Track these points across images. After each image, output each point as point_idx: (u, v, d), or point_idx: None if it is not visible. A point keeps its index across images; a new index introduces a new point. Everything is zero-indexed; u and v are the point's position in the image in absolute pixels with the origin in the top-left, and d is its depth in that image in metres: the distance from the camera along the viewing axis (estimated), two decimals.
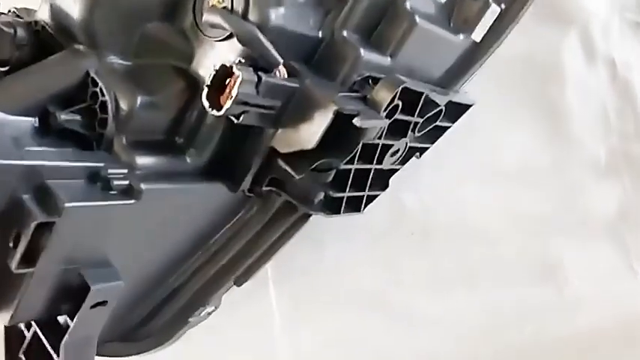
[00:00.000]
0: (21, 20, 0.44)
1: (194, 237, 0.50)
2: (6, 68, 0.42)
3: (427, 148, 0.60)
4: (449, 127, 0.60)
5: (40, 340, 0.43)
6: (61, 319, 0.43)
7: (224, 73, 0.40)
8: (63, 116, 0.40)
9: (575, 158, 0.75)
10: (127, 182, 0.40)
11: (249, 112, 0.42)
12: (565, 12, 0.74)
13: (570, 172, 0.75)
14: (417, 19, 0.49)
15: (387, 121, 0.47)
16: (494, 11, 0.57)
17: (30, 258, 0.37)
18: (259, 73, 0.41)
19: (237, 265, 0.53)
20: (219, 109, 0.40)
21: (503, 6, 0.58)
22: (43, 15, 0.44)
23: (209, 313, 0.54)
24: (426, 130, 0.56)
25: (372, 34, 0.49)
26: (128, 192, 0.40)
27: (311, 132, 0.44)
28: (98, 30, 0.42)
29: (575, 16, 0.75)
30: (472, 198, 0.74)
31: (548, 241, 0.75)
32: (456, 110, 0.60)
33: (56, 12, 0.43)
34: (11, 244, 0.36)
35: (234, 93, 0.39)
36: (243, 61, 0.42)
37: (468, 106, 0.60)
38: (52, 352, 0.43)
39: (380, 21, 0.49)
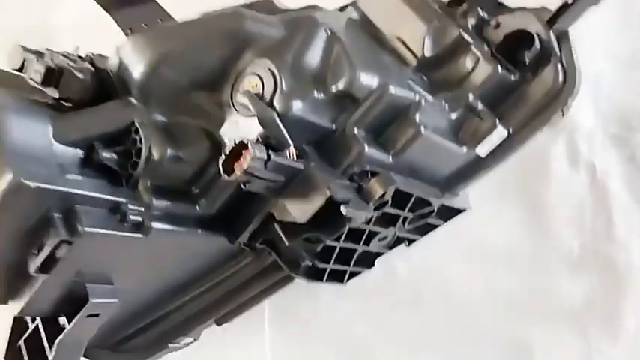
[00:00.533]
0: (92, 67, 0.52)
1: (188, 274, 0.57)
2: (69, 104, 0.50)
3: (416, 240, 0.65)
4: (440, 225, 0.66)
5: (40, 333, 0.51)
6: (62, 319, 0.51)
7: (241, 146, 0.48)
8: (104, 154, 0.49)
9: (551, 249, 0.82)
10: (140, 219, 0.48)
11: (255, 182, 0.49)
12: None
13: (546, 261, 0.82)
14: (423, 130, 0.56)
15: (372, 213, 0.53)
16: (500, 134, 0.63)
17: (47, 266, 0.44)
18: (270, 152, 0.48)
19: (220, 307, 0.60)
20: (229, 175, 0.48)
21: (511, 130, 0.64)
22: (112, 65, 0.53)
23: (187, 344, 0.61)
24: (417, 224, 0.62)
25: (382, 134, 0.56)
26: (139, 227, 0.48)
27: (305, 209, 0.50)
28: (150, 91, 0.51)
29: (564, 126, 0.84)
30: (457, 273, 0.83)
31: (520, 322, 0.81)
32: (449, 212, 0.65)
33: (122, 67, 0.52)
34: (35, 252, 0.44)
35: (244, 165, 0.47)
36: (260, 139, 0.49)
37: (461, 210, 0.66)
38: (47, 345, 0.50)
39: (390, 124, 0.56)
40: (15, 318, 0.52)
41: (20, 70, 0.50)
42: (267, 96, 0.50)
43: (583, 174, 0.85)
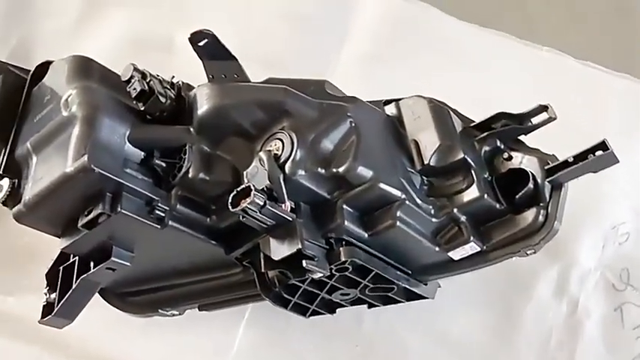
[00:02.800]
0: (174, 94, 0.70)
1: (189, 264, 0.74)
2: (149, 117, 0.69)
3: (378, 305, 0.78)
4: (402, 301, 0.78)
5: (74, 267, 0.69)
6: (91, 264, 0.69)
7: (248, 189, 0.63)
8: (157, 161, 0.66)
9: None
10: (162, 215, 0.65)
11: (249, 218, 0.64)
12: (558, 249, 0.88)
13: None
14: (398, 223, 0.68)
15: (329, 273, 0.66)
16: (473, 248, 0.74)
17: (89, 225, 0.63)
18: (268, 201, 0.63)
19: (206, 298, 0.76)
20: (233, 207, 0.64)
21: (485, 247, 0.74)
22: (190, 96, 0.70)
23: (173, 314, 0.78)
24: (378, 294, 0.75)
25: (367, 214, 0.70)
26: (160, 221, 0.65)
27: (280, 250, 0.65)
28: (206, 126, 0.68)
29: (564, 256, 0.90)
30: (417, 349, 0.89)
31: None
32: (411, 294, 0.77)
33: (195, 102, 0.69)
34: (85, 213, 0.63)
35: (243, 205, 0.63)
36: (266, 188, 0.64)
37: (421, 296, 0.77)
38: (75, 277, 0.68)
39: (377, 209, 0.70)
40: (61, 251, 0.71)
41: (127, 81, 0.69)
42: (282, 159, 0.66)
43: (564, 305, 0.90)
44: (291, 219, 0.65)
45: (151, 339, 0.87)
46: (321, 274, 0.67)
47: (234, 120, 0.68)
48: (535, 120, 0.78)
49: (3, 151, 0.69)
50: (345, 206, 0.68)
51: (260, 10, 1.00)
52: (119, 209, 0.62)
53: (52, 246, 0.82)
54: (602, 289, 0.92)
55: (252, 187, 0.63)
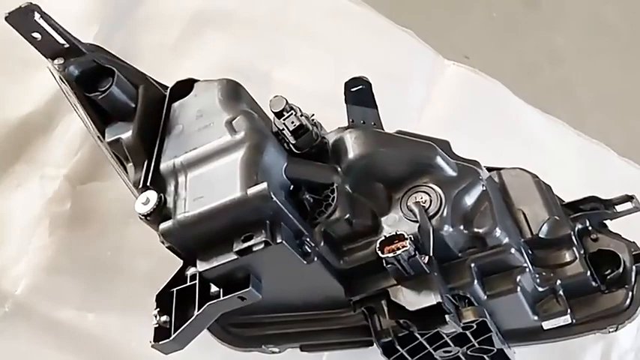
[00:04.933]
0: (319, 132, 0.71)
1: (303, 300, 0.73)
2: (298, 152, 0.69)
3: None
4: None
5: (194, 291, 0.66)
6: (213, 288, 0.66)
7: (398, 237, 0.65)
8: (307, 195, 0.66)
9: None
10: (309, 250, 0.65)
11: (394, 266, 0.65)
12: None
13: None
14: (518, 289, 0.72)
15: (460, 330, 0.68)
16: (565, 319, 0.78)
17: (244, 252, 0.61)
18: (415, 251, 0.65)
19: (310, 338, 0.75)
20: (382, 252, 0.65)
21: (574, 321, 0.79)
22: (332, 137, 0.71)
23: (273, 352, 0.76)
24: (474, 354, 0.77)
25: (486, 275, 0.72)
26: (307, 256, 0.64)
27: (417, 301, 0.66)
28: (353, 170, 0.69)
29: (607, 335, 0.90)
30: None
31: None
32: (501, 357, 0.80)
33: (342, 144, 0.70)
34: (241, 239, 0.61)
35: (397, 252, 0.64)
36: (412, 239, 0.66)
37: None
38: (197, 302, 0.65)
39: (497, 272, 0.72)
40: (179, 271, 0.68)
41: (278, 114, 0.69)
42: (431, 213, 0.68)
43: None
44: (428, 271, 0.67)
45: None
46: (454, 330, 0.68)
47: (382, 168, 0.70)
48: (619, 208, 0.85)
49: (146, 163, 0.66)
50: (473, 264, 0.71)
51: (351, 60, 1.03)
52: (279, 239, 0.61)
53: (135, 263, 0.79)
54: None
55: (409, 236, 0.64)
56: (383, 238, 0.65)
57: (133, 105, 0.69)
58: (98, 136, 0.69)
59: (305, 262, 0.64)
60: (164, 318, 0.66)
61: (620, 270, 0.79)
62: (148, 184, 0.65)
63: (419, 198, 0.69)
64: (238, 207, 0.60)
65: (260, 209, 0.60)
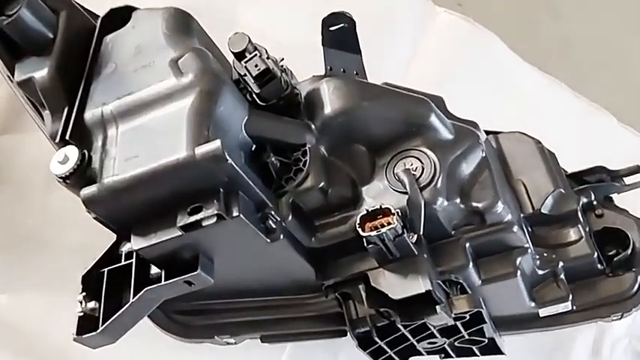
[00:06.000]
0: (289, 80, 0.58)
1: (264, 284, 0.61)
2: (261, 103, 0.56)
3: (452, 356, 0.70)
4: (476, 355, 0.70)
5: (129, 272, 0.53)
6: (154, 270, 0.54)
7: (383, 211, 0.53)
8: (272, 157, 0.54)
9: None
10: (274, 227, 0.52)
11: (377, 246, 0.54)
12: None
13: None
14: (518, 273, 0.61)
15: (452, 322, 0.57)
16: (565, 306, 0.69)
17: (191, 227, 0.48)
18: (404, 229, 0.53)
19: (272, 328, 0.63)
20: (363, 231, 0.53)
21: (574, 307, 0.70)
22: (305, 89, 0.58)
23: (228, 343, 0.64)
24: (462, 345, 0.67)
25: (481, 257, 0.62)
26: (271, 233, 0.52)
27: (402, 288, 0.55)
28: (329, 127, 0.56)
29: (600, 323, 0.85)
30: None
31: None
32: (490, 349, 0.70)
33: (316, 97, 0.57)
34: (187, 210, 0.48)
35: (381, 231, 0.52)
36: (400, 213, 0.54)
37: (499, 351, 0.70)
38: (132, 286, 0.52)
39: (493, 253, 0.62)
40: (111, 247, 0.55)
41: (239, 55, 0.55)
42: (422, 183, 0.56)
43: None
44: (417, 253, 0.56)
45: None
46: (445, 322, 0.57)
47: (364, 126, 0.57)
48: (628, 180, 0.75)
49: (66, 110, 0.52)
50: (468, 244, 0.60)
51: (332, 3, 0.89)
52: (236, 212, 0.48)
53: (62, 234, 0.65)
54: (630, 356, 0.92)
55: (396, 211, 0.52)
56: (364, 212, 0.53)
57: (52, 35, 0.54)
58: (8, 75, 0.55)
59: (268, 240, 0.52)
60: (92, 304, 0.54)
61: (629, 251, 0.69)
62: (68, 137, 0.51)
63: (408, 164, 0.57)
64: (183, 170, 0.47)
65: (212, 174, 0.47)
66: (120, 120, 0.50)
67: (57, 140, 0.51)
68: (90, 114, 0.52)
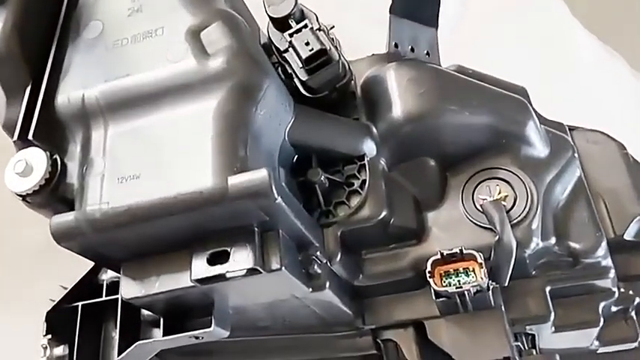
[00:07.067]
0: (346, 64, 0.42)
1: (291, 321, 0.47)
2: (308, 95, 0.40)
3: None
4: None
5: (111, 314, 0.40)
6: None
7: (465, 257, 0.39)
8: (322, 177, 0.39)
9: None
10: (319, 272, 0.38)
11: (447, 300, 0.41)
12: None
13: None
14: (601, 322, 0.50)
15: None
16: (630, 346, 0.58)
17: (209, 280, 0.34)
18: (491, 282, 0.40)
19: None
20: (433, 278, 0.39)
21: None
22: (364, 74, 0.43)
23: None
24: None
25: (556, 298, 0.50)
26: (313, 280, 0.38)
27: (472, 353, 0.42)
28: (397, 134, 0.41)
29: None
30: None
31: None
32: None
33: (382, 90, 0.42)
34: (207, 254, 0.33)
35: (464, 286, 0.39)
36: (482, 257, 0.41)
37: None
38: (118, 332, 0.39)
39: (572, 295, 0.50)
40: (88, 273, 0.41)
41: (280, 22, 0.39)
42: (514, 217, 0.42)
43: None
44: (493, 305, 0.43)
45: None
46: None
47: (442, 135, 0.42)
48: None
49: (29, 90, 0.35)
50: (548, 288, 0.47)
51: None
52: (275, 265, 0.34)
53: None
54: None
55: (482, 260, 0.39)
56: (437, 256, 0.39)
57: None
58: None
59: (310, 289, 0.38)
60: (59, 350, 0.40)
61: None
62: (31, 135, 0.34)
63: (495, 190, 0.43)
64: (209, 206, 0.32)
65: (248, 212, 0.32)
66: (110, 114, 0.34)
67: (15, 137, 0.34)
68: (64, 99, 0.35)
